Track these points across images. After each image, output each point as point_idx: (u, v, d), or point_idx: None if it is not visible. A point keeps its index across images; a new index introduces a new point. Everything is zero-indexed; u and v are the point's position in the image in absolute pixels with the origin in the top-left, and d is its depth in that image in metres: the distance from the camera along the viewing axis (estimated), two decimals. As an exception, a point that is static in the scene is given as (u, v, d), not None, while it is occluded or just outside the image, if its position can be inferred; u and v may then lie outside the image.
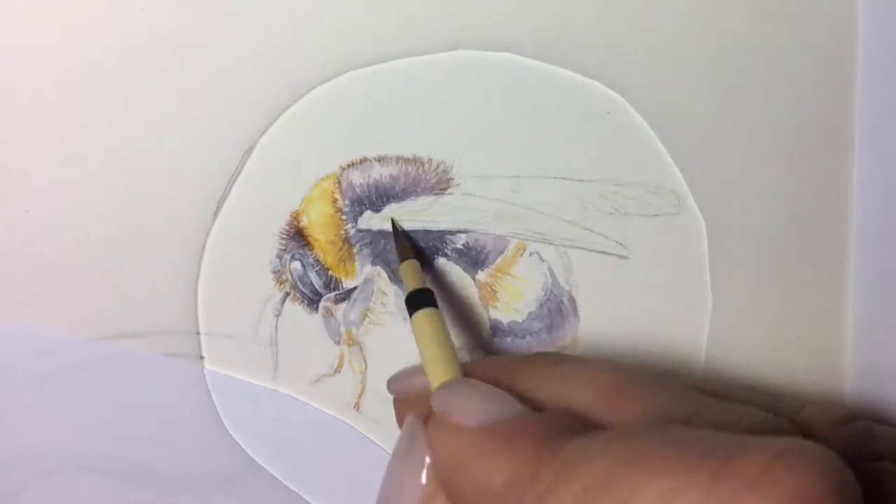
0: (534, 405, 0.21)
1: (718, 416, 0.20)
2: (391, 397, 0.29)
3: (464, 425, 0.21)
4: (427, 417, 0.22)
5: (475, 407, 0.21)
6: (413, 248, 0.28)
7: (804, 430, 0.21)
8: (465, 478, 0.20)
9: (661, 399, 0.21)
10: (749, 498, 0.16)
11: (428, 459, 0.22)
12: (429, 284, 0.27)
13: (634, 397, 0.21)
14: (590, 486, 0.18)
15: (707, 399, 0.21)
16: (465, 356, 0.28)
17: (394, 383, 0.26)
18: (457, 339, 0.29)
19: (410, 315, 0.25)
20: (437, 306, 0.25)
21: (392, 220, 0.28)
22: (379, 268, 0.28)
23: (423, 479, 0.22)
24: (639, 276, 0.28)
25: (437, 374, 0.23)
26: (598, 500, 0.17)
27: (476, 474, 0.20)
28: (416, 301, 0.25)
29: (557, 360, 0.23)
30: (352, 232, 0.28)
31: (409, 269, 0.26)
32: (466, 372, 0.23)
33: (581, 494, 0.18)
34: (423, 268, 0.28)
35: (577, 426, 0.20)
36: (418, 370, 0.25)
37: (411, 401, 0.25)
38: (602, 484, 0.17)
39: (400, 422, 0.25)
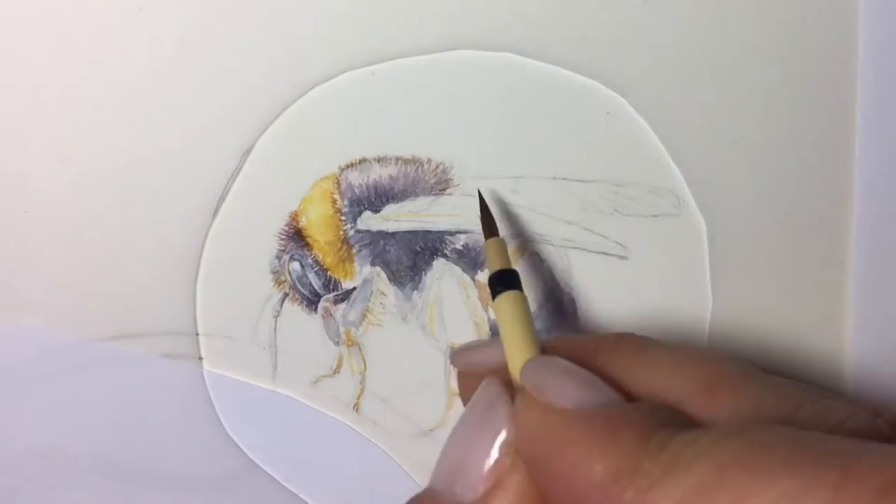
0: (621, 393, 0.21)
1: (822, 415, 0.19)
2: (391, 397, 0.29)
3: (559, 405, 0.20)
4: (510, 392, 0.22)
5: (570, 388, 0.20)
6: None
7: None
8: (560, 461, 0.19)
9: (760, 394, 0.20)
10: None
11: (504, 433, 0.21)
12: (428, 284, 0.27)
13: (732, 391, 0.20)
14: (701, 483, 0.17)
15: (807, 394, 0.20)
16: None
17: (459, 356, 0.25)
18: (457, 339, 0.29)
19: (493, 296, 0.24)
20: (521, 289, 0.24)
21: (479, 193, 0.27)
22: (378, 268, 0.28)
23: (496, 452, 0.21)
24: (639, 277, 0.28)
25: (521, 353, 0.22)
26: (710, 499, 0.17)
27: (573, 458, 0.19)
28: (501, 282, 0.24)
29: (643, 345, 0.23)
30: (351, 232, 0.28)
31: (494, 247, 0.26)
32: (546, 351, 0.23)
33: (692, 491, 0.17)
34: (422, 267, 0.28)
35: (677, 420, 0.19)
36: (485, 344, 0.25)
37: (479, 374, 0.24)
38: (715, 482, 0.17)
39: (465, 394, 0.25)
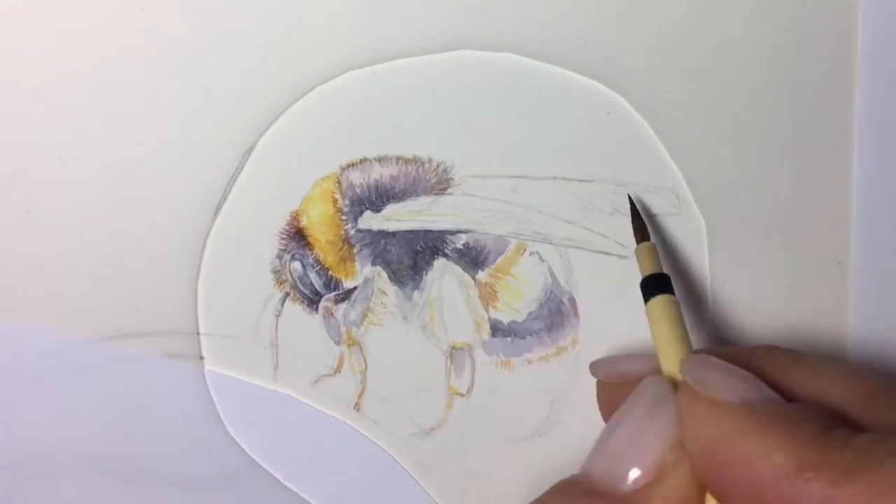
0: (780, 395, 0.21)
1: None
2: (391, 397, 0.29)
3: (726, 400, 0.20)
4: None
5: (734, 383, 0.21)
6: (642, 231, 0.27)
7: None
8: (735, 452, 0.19)
9: None
10: None
11: (672, 429, 0.21)
12: (429, 284, 0.27)
13: (890, 400, 0.20)
14: (893, 481, 0.17)
15: None
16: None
17: (601, 367, 0.26)
18: (457, 339, 0.29)
19: (646, 299, 0.25)
20: (673, 292, 0.25)
21: (629, 197, 0.27)
22: (379, 268, 0.28)
23: (662, 447, 0.21)
24: (639, 277, 0.28)
25: (676, 353, 0.23)
26: None
27: (750, 450, 0.19)
28: (654, 286, 0.25)
29: (797, 354, 0.23)
30: (352, 232, 0.28)
31: (647, 251, 0.26)
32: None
33: (883, 486, 0.17)
34: (423, 267, 0.28)
35: (847, 423, 0.19)
36: (627, 356, 0.25)
37: (623, 384, 0.24)
38: None
39: (604, 404, 0.26)
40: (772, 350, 0.24)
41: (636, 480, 0.21)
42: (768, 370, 0.22)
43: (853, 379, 0.21)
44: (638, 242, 0.27)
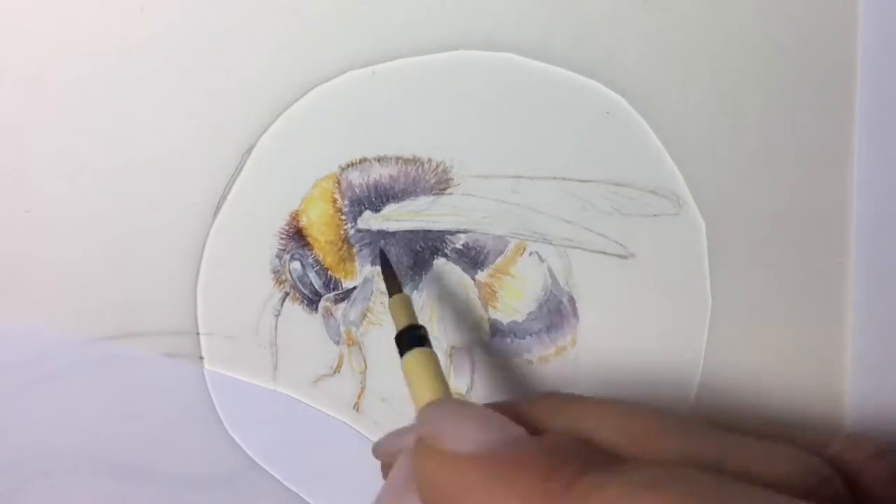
0: (529, 428, 0.20)
1: (748, 461, 0.18)
2: (391, 397, 0.29)
3: (456, 452, 0.19)
4: None
5: (468, 431, 0.19)
6: (397, 277, 0.26)
7: (836, 467, 0.19)
8: None
9: (688, 440, 0.19)
10: None
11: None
12: (428, 284, 0.27)
13: (660, 439, 0.19)
14: None
15: (737, 438, 0.19)
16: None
17: (380, 448, 0.24)
18: (457, 338, 0.29)
19: (401, 354, 0.24)
20: (430, 345, 0.23)
21: (381, 251, 0.27)
22: (379, 268, 0.28)
23: None
24: (638, 277, 0.28)
25: None
26: None
27: None
28: (408, 340, 0.24)
29: (566, 397, 0.22)
30: (351, 232, 0.28)
31: (399, 303, 0.25)
32: None
33: None
34: (422, 267, 0.28)
35: (585, 454, 0.18)
36: (405, 431, 0.23)
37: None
38: None
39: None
40: (543, 396, 0.23)
41: None
42: (543, 416, 0.21)
43: (617, 417, 0.20)
44: (390, 295, 0.26)
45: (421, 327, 0.24)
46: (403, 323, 0.24)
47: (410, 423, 0.22)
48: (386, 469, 0.23)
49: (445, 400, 0.21)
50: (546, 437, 0.19)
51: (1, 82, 0.27)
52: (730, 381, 0.28)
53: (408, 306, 0.25)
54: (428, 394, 0.22)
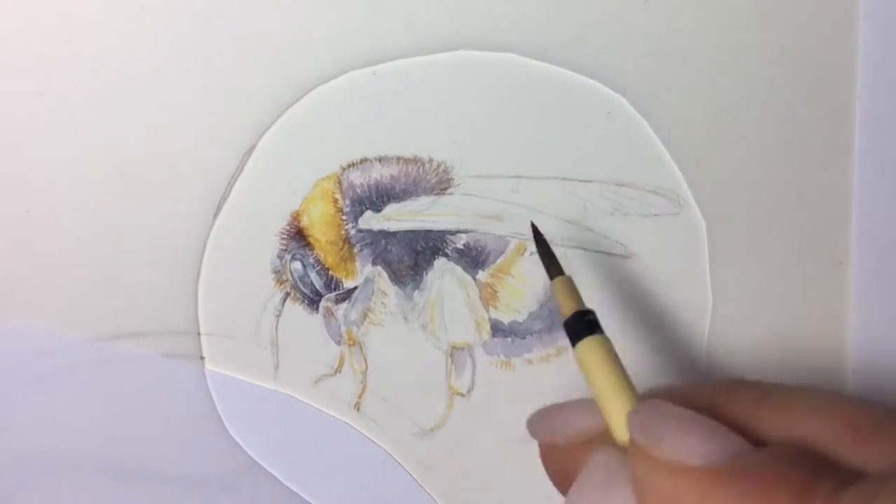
0: (749, 441, 0.18)
1: None
2: (392, 397, 0.29)
3: (684, 463, 0.17)
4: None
5: (692, 439, 0.18)
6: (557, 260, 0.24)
7: None
8: None
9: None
10: None
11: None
12: (429, 284, 0.27)
13: (886, 436, 0.17)
14: None
15: None
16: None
17: (542, 425, 0.22)
18: (458, 339, 0.29)
19: (573, 343, 0.22)
20: (602, 331, 0.21)
21: (532, 226, 0.25)
22: (379, 268, 0.28)
23: None
24: (639, 277, 0.28)
25: (621, 404, 0.20)
26: None
27: None
28: (580, 326, 0.22)
29: (766, 388, 0.20)
30: (352, 232, 0.28)
31: (563, 286, 0.23)
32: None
33: None
34: (423, 267, 0.28)
35: (829, 469, 0.17)
36: (569, 407, 0.22)
37: (571, 448, 0.21)
38: None
39: (553, 473, 0.22)
40: (736, 385, 0.21)
41: None
42: (734, 411, 0.19)
43: (835, 411, 0.18)
44: (551, 277, 0.24)
45: (591, 312, 0.22)
46: (571, 308, 0.22)
47: (569, 401, 0.22)
48: (548, 451, 0.22)
49: (656, 402, 0.19)
50: (777, 448, 0.18)
51: (1, 82, 0.27)
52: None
53: (573, 289, 0.23)
54: (610, 387, 0.20)
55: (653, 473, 0.18)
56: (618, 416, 0.20)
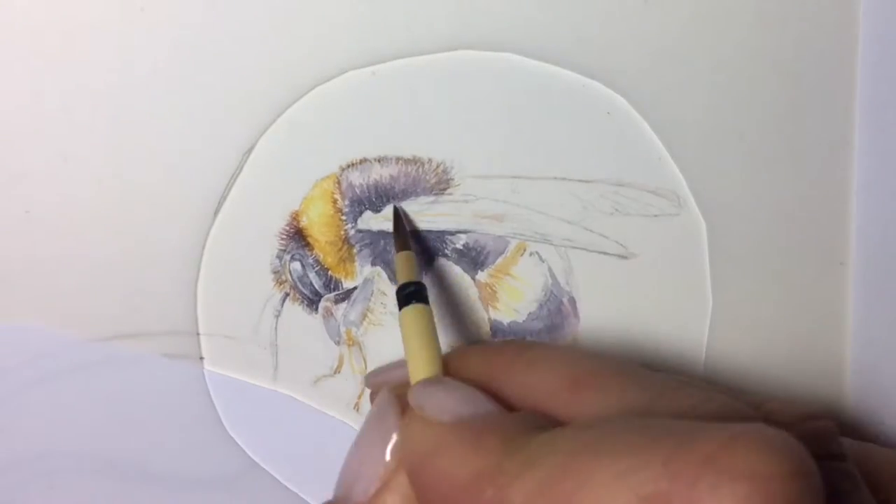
0: (505, 402, 0.22)
1: (677, 402, 0.20)
2: (391, 397, 0.29)
3: (436, 419, 0.22)
4: (403, 404, 0.23)
5: (448, 403, 0.22)
6: (412, 240, 0.27)
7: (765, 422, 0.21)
8: (431, 469, 0.21)
9: (623, 387, 0.21)
10: (704, 473, 0.16)
11: (395, 437, 0.23)
12: (429, 283, 0.27)
13: (597, 387, 0.21)
14: (550, 474, 0.18)
15: (666, 383, 0.21)
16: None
17: (370, 378, 0.27)
18: (457, 339, 0.29)
19: (400, 308, 0.25)
20: (427, 302, 0.25)
21: (395, 208, 0.28)
22: (379, 268, 0.28)
23: (387, 456, 0.23)
24: (639, 277, 0.28)
25: (419, 371, 0.23)
26: (557, 486, 0.18)
27: (442, 466, 0.20)
28: (407, 295, 0.25)
29: (524, 347, 0.24)
30: (352, 232, 0.28)
31: (403, 260, 0.26)
32: (446, 364, 0.24)
33: (543, 482, 0.18)
34: (423, 267, 0.28)
35: (545, 425, 0.20)
36: (396, 365, 0.26)
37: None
38: (562, 471, 0.18)
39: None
40: (505, 345, 0.25)
41: (365, 492, 0.23)
42: (502, 367, 0.23)
43: (563, 366, 0.22)
44: (396, 251, 0.27)
45: (419, 283, 0.25)
46: (404, 278, 0.25)
47: (399, 359, 0.25)
48: (373, 397, 0.26)
49: (435, 379, 0.23)
50: (519, 412, 0.22)
51: (1, 82, 0.27)
52: (730, 381, 0.28)
53: (412, 264, 0.26)
54: (415, 352, 0.24)
55: (414, 426, 0.22)
56: (415, 377, 0.23)
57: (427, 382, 0.23)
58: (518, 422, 0.21)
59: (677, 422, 0.18)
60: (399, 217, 0.28)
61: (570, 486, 0.18)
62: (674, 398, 0.20)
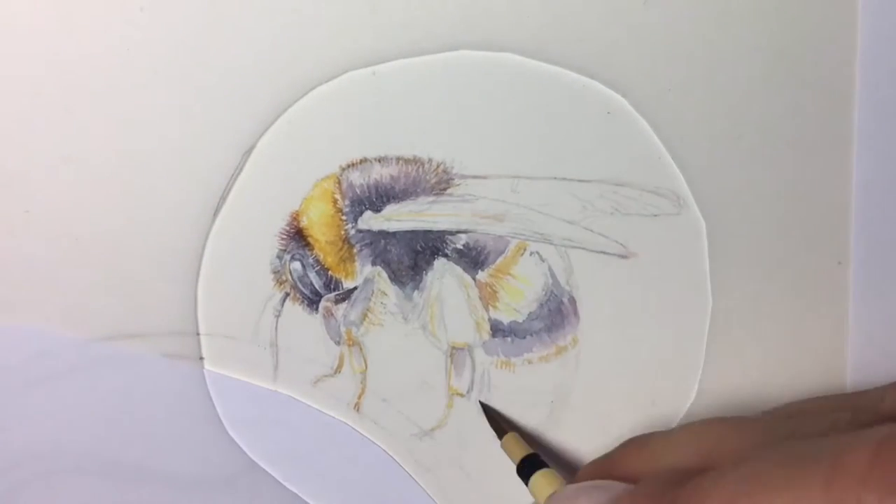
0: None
1: (802, 429, 0.21)
2: (391, 397, 0.29)
3: None
4: None
5: (581, 498, 0.23)
6: (504, 420, 0.29)
7: (892, 418, 0.21)
8: None
9: (754, 436, 0.22)
10: (865, 493, 0.17)
11: None
12: (429, 284, 0.27)
13: (731, 444, 0.22)
14: None
15: (791, 420, 0.22)
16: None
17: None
18: (457, 339, 0.29)
19: (526, 482, 0.26)
20: (548, 465, 0.27)
21: (480, 403, 0.29)
22: (379, 268, 0.28)
23: None
24: (639, 276, 0.28)
25: None
26: None
27: None
28: (530, 466, 0.27)
29: (644, 438, 0.25)
30: (352, 232, 0.28)
31: (512, 441, 0.28)
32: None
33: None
34: (423, 267, 0.28)
35: (684, 477, 0.21)
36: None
37: None
38: None
39: None
40: (626, 443, 0.26)
41: None
42: (632, 463, 0.25)
43: (686, 439, 0.24)
44: (500, 437, 0.28)
45: (536, 454, 0.27)
46: (521, 454, 0.27)
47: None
48: None
49: (563, 489, 0.25)
50: (641, 482, 0.23)
51: (1, 82, 0.27)
52: (730, 381, 0.28)
53: (519, 441, 0.28)
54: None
55: None
56: None
57: (556, 496, 0.24)
58: (657, 482, 0.21)
59: (821, 441, 0.18)
60: (487, 410, 0.29)
61: None
62: (805, 427, 0.21)
